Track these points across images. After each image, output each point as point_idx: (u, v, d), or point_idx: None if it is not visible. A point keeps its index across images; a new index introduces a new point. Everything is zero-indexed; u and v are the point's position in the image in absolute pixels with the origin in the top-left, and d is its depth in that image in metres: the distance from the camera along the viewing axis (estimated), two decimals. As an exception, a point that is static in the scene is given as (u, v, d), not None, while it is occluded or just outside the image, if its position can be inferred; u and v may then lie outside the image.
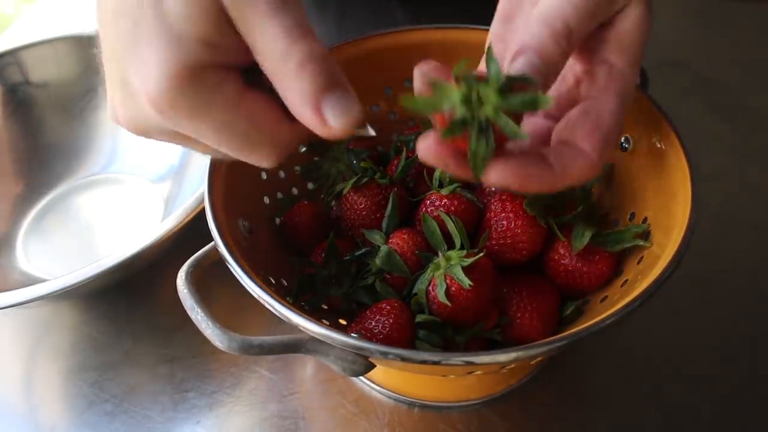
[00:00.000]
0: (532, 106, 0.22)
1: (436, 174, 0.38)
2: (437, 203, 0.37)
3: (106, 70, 0.25)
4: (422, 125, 0.44)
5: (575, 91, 0.29)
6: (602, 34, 0.28)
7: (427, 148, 0.24)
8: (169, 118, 0.22)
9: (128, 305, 0.48)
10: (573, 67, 0.29)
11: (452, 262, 0.32)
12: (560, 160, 0.26)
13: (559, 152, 0.26)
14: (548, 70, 0.25)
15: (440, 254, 0.33)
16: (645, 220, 0.35)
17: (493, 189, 0.39)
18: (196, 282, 0.31)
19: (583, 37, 0.27)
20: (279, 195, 0.42)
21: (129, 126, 0.25)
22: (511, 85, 0.22)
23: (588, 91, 0.28)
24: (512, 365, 0.30)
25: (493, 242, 0.35)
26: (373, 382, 0.41)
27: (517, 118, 0.23)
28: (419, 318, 0.33)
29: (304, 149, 0.44)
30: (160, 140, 0.26)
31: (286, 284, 0.36)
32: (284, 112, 0.24)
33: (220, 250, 0.31)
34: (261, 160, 0.25)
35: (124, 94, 0.24)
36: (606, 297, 0.34)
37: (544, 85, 0.25)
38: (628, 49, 0.28)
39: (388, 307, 0.33)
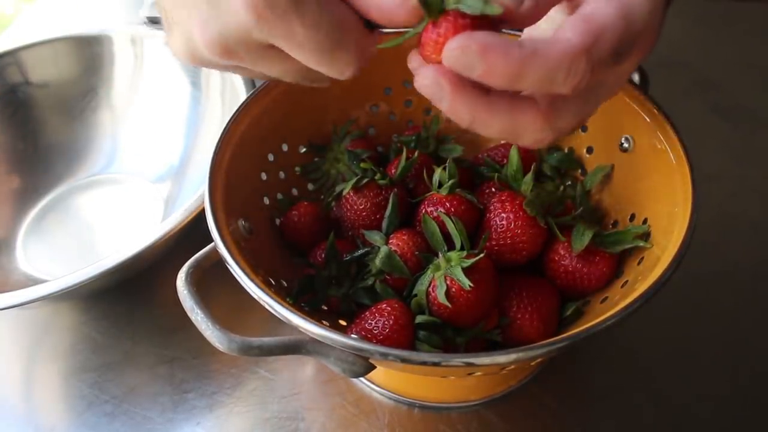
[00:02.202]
0: None
1: (436, 175, 0.38)
2: (437, 204, 0.37)
3: (174, 3, 0.27)
4: (422, 126, 0.44)
5: None
6: None
7: (422, 72, 0.25)
8: (265, 21, 0.24)
9: (128, 306, 0.48)
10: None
11: (452, 263, 0.32)
12: (531, 42, 0.23)
13: (529, 39, 0.24)
14: None
15: (440, 255, 0.33)
16: (645, 221, 0.35)
17: (493, 189, 0.39)
18: (196, 283, 0.31)
19: None
20: (279, 195, 0.42)
21: (210, 45, 0.26)
22: None
23: (585, 6, 0.25)
24: (512, 366, 0.30)
25: (493, 243, 0.35)
26: (374, 383, 0.41)
27: None
28: (419, 319, 0.33)
29: (304, 150, 0.44)
30: (237, 58, 0.27)
31: (286, 285, 0.36)
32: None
33: (220, 250, 0.31)
34: (342, 66, 0.26)
35: (210, 11, 0.25)
36: (606, 298, 0.34)
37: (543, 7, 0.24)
38: None
39: (389, 308, 0.32)
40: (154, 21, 0.51)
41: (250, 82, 0.51)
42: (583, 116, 0.27)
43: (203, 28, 0.26)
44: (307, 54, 0.25)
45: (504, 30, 0.27)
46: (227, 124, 0.38)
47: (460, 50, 0.23)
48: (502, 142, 0.45)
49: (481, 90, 0.24)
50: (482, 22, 0.24)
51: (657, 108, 0.35)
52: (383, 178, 0.39)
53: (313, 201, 0.42)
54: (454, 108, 0.25)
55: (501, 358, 0.26)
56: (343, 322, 0.37)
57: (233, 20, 0.24)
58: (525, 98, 0.25)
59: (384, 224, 0.38)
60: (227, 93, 0.53)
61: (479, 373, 0.34)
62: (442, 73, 0.24)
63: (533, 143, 0.27)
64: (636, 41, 0.25)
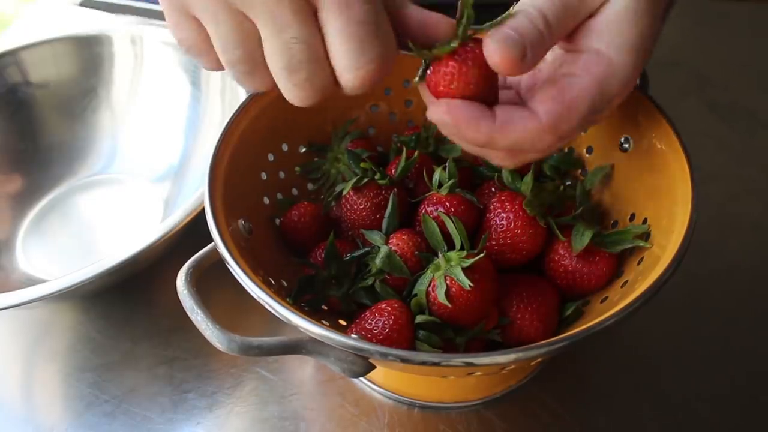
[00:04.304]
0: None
1: (436, 175, 0.38)
2: (437, 204, 0.37)
3: None
4: (422, 126, 0.44)
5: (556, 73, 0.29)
6: (589, 23, 0.27)
7: (432, 108, 0.27)
8: None
9: (128, 306, 0.48)
10: (559, 56, 0.29)
11: (452, 263, 0.32)
12: (505, 113, 0.26)
13: (507, 108, 0.26)
14: (524, 41, 0.25)
15: (440, 255, 0.33)
16: (645, 220, 0.35)
17: (493, 189, 0.39)
18: (196, 283, 0.31)
19: (565, 25, 0.27)
20: (279, 195, 0.42)
21: None
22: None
23: (565, 69, 0.28)
24: (512, 366, 0.30)
25: (493, 243, 0.35)
26: (374, 383, 0.41)
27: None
28: (419, 319, 0.33)
29: (304, 150, 0.44)
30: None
31: (286, 285, 0.36)
32: None
33: (219, 250, 0.31)
34: (376, 59, 0.26)
35: None
36: (606, 298, 0.34)
37: (530, 59, 0.25)
38: (615, 37, 0.27)
39: (388, 308, 0.32)
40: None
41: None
42: (554, 150, 0.29)
43: None
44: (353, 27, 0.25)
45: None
46: (227, 124, 0.37)
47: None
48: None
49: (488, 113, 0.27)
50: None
51: (657, 108, 0.35)
52: (383, 178, 0.39)
53: (313, 201, 0.42)
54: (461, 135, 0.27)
55: (501, 358, 0.26)
56: (343, 322, 0.37)
57: None
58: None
59: (384, 224, 0.38)
60: (227, 93, 0.54)
61: (479, 373, 0.34)
62: (447, 112, 0.26)
63: (499, 164, 0.30)
64: (608, 103, 0.28)
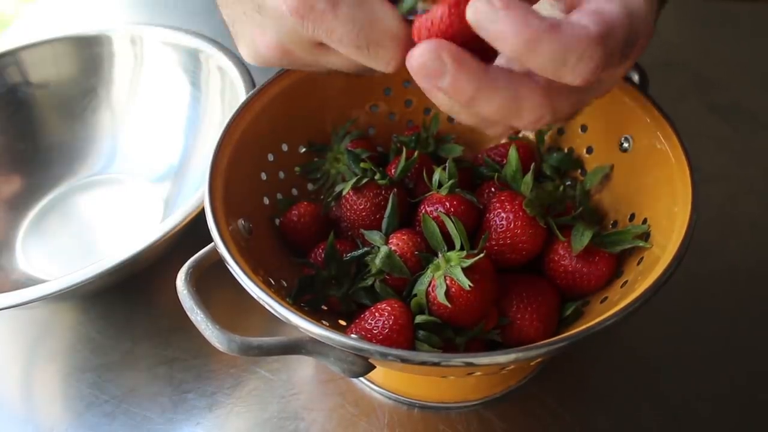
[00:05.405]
0: None
1: (436, 175, 0.38)
2: (437, 204, 0.37)
3: (233, 13, 0.30)
4: (422, 126, 0.44)
5: None
6: None
7: (420, 48, 0.25)
8: (307, 20, 0.26)
9: (128, 306, 0.48)
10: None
11: (452, 263, 0.32)
12: (554, 21, 0.23)
13: (555, 21, 0.23)
14: None
15: (440, 255, 0.33)
16: (645, 220, 0.35)
17: (493, 189, 0.39)
18: (196, 283, 0.31)
19: None
20: (279, 196, 0.42)
21: (269, 48, 0.29)
22: None
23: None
24: (512, 366, 0.30)
25: (493, 243, 0.35)
26: (373, 383, 0.41)
27: None
28: (419, 319, 0.33)
29: (304, 150, 0.44)
30: (295, 56, 0.29)
31: (286, 285, 0.36)
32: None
33: (219, 250, 0.31)
34: (383, 61, 0.26)
35: (263, 18, 0.28)
36: (606, 298, 0.34)
37: None
38: None
39: (388, 308, 0.32)
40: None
41: (250, 82, 0.51)
42: (579, 105, 0.27)
43: (262, 34, 0.29)
44: (348, 50, 0.26)
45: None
46: (227, 124, 0.38)
47: (486, 3, 0.22)
48: (503, 141, 0.45)
49: (482, 64, 0.24)
50: None
51: (657, 108, 0.35)
52: (383, 178, 0.39)
53: (313, 201, 0.42)
54: (457, 81, 0.24)
55: (501, 358, 0.26)
56: (343, 322, 0.37)
57: (283, 23, 0.27)
58: (523, 74, 0.25)
59: (384, 224, 0.38)
60: (227, 93, 0.53)
61: (479, 373, 0.34)
62: (442, 47, 0.24)
63: (532, 121, 0.26)
64: (637, 40, 0.26)
